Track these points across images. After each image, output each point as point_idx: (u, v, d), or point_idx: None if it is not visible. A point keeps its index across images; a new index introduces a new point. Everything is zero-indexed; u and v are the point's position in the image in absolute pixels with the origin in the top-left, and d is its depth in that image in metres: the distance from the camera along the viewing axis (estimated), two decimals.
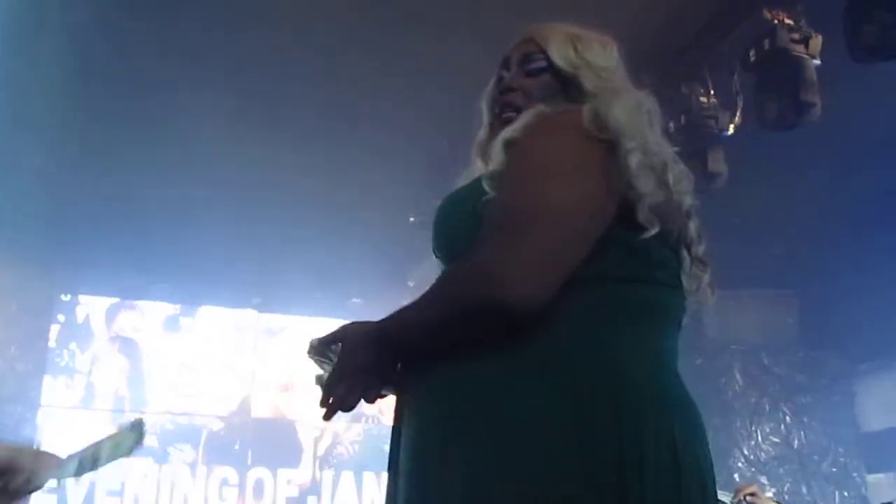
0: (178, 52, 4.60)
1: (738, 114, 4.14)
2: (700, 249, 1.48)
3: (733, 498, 3.13)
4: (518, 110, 1.56)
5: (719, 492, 3.14)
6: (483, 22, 4.28)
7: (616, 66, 1.58)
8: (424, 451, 1.32)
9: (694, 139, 4.33)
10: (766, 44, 3.65)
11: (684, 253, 1.45)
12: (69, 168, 5.83)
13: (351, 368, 1.39)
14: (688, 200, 1.45)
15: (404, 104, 4.87)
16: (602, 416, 1.21)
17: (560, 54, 1.58)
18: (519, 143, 1.39)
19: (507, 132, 1.44)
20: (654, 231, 1.33)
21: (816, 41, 3.60)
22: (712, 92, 4.26)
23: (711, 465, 1.32)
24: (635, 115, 1.41)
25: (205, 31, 4.44)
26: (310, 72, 4.73)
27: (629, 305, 1.32)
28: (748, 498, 3.13)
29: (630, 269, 1.34)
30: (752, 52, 3.74)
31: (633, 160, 1.33)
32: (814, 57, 3.62)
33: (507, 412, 1.24)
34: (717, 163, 4.30)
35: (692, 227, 1.47)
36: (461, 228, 1.40)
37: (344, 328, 1.44)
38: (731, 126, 4.22)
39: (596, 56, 1.57)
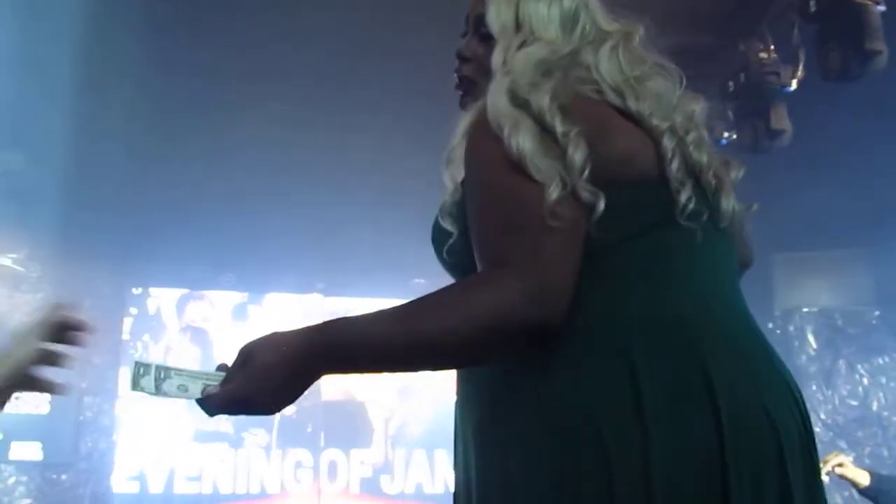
0: (240, 41, 4.64)
1: (800, 68, 4.01)
2: (700, 158, 1.29)
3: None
4: (471, 85, 1.45)
5: None
6: None
7: (551, 19, 1.37)
8: (477, 424, 1.30)
9: (755, 97, 4.22)
10: None
11: (677, 174, 1.26)
12: (137, 167, 5.94)
13: (259, 395, 1.20)
14: (660, 123, 1.28)
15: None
16: (619, 389, 1.13)
17: (494, 16, 1.39)
18: (465, 154, 1.30)
19: (453, 140, 1.34)
20: (599, 206, 1.18)
21: None
22: (772, 47, 4.14)
23: (781, 405, 1.19)
24: (523, 87, 1.24)
25: (267, 17, 4.46)
26: (371, 54, 4.72)
27: (621, 269, 1.22)
28: (837, 469, 3.09)
29: (612, 231, 1.20)
30: (812, 2, 3.61)
31: (526, 148, 1.18)
32: (877, 3, 3.48)
33: (536, 403, 1.18)
34: (781, 120, 4.18)
35: (667, 144, 1.27)
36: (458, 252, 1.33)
37: (250, 349, 1.23)
38: (794, 81, 4.08)
39: (529, 13, 1.37)
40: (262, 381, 1.18)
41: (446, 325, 1.14)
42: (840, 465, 3.09)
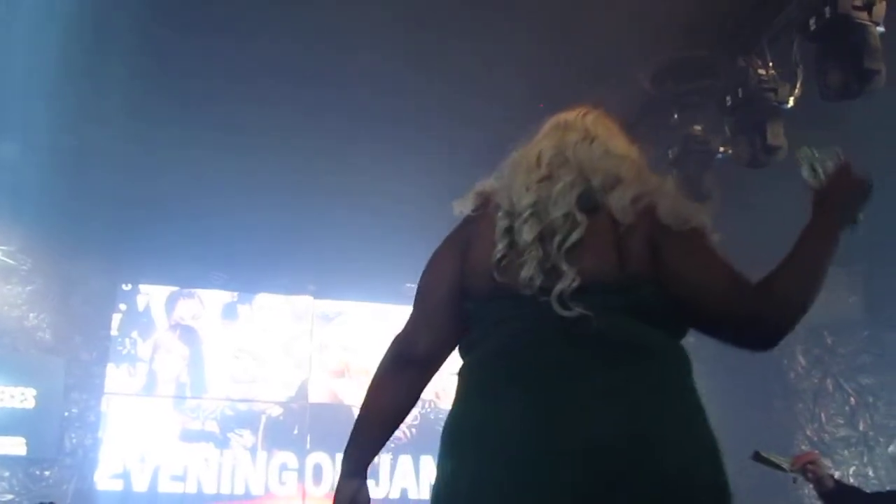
0: (238, 42, 4.65)
1: (798, 85, 4.01)
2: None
3: (792, 465, 3.10)
4: None
5: (781, 457, 3.09)
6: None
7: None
8: None
9: (752, 113, 4.23)
10: (827, 11, 3.53)
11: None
12: (128, 162, 5.92)
13: None
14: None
15: (456, 89, 4.83)
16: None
17: None
18: None
19: None
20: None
21: (880, 7, 3.47)
22: (770, 63, 4.14)
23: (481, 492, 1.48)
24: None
25: (269, 17, 4.46)
26: (370, 59, 4.72)
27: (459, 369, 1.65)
28: (809, 467, 3.10)
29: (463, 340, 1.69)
30: (812, 21, 3.61)
31: None
32: (877, 23, 3.48)
33: None
34: (777, 137, 4.18)
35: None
36: None
37: None
38: (791, 98, 4.09)
39: None
40: None
41: None
42: (812, 462, 3.11)
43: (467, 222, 1.75)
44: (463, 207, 1.76)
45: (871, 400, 7.58)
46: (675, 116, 4.85)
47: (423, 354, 1.71)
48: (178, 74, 4.92)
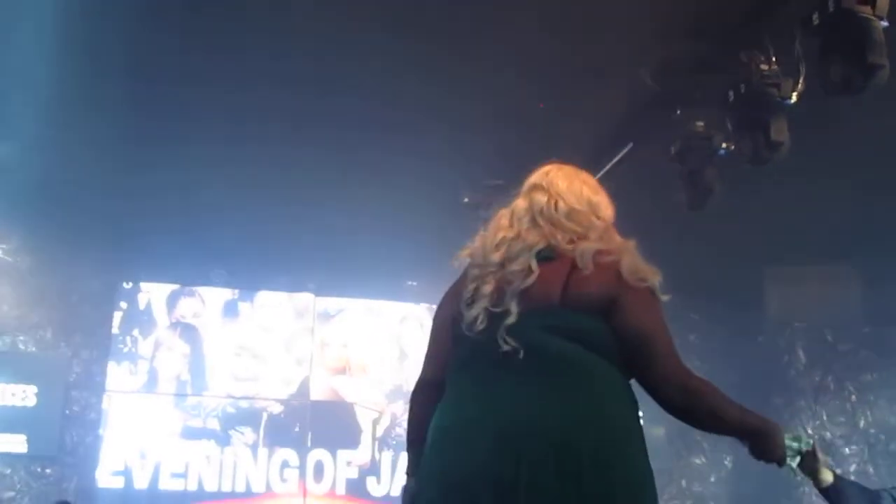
0: (233, 51, 4.65)
1: (801, 80, 3.98)
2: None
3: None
4: None
5: None
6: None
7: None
8: None
9: (755, 108, 4.20)
10: (830, 5, 3.50)
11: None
12: (128, 161, 5.91)
13: None
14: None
15: (456, 93, 4.82)
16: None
17: None
18: None
19: None
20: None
21: (884, 1, 3.44)
22: (773, 59, 4.11)
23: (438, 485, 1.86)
24: None
25: (269, 19, 4.46)
26: (368, 62, 4.71)
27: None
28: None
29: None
30: (815, 15, 3.58)
31: None
32: (881, 17, 3.45)
33: None
34: (780, 132, 4.16)
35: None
36: None
37: None
38: (794, 94, 4.06)
39: None
40: None
41: None
42: None
43: (460, 277, 2.10)
44: (459, 264, 2.14)
45: (871, 398, 7.59)
46: (678, 112, 4.82)
47: (437, 378, 2.04)
48: (179, 69, 4.89)
